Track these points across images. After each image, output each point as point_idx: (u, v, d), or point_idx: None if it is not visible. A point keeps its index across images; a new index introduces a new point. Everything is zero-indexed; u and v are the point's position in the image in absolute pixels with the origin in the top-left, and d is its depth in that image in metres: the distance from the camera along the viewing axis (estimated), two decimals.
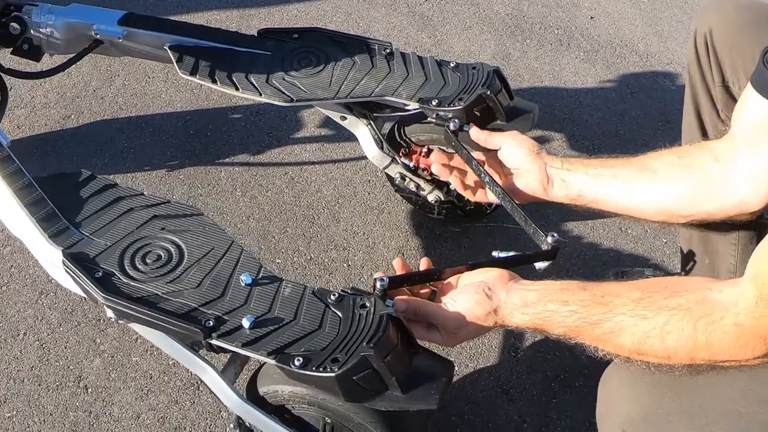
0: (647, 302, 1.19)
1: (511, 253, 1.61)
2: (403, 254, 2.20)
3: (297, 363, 1.28)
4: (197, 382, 1.86)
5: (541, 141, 2.61)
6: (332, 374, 1.25)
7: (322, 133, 2.60)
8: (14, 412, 1.82)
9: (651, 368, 1.20)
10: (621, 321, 1.20)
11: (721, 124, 1.61)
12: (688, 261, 1.77)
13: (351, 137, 2.08)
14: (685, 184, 1.45)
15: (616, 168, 1.54)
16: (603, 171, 1.55)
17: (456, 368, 1.92)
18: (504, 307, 1.32)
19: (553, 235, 1.57)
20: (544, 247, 1.58)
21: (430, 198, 2.10)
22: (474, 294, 1.34)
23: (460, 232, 2.28)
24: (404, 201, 2.31)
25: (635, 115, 2.80)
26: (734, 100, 1.53)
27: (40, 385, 1.87)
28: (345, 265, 2.17)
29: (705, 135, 1.65)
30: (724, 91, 1.58)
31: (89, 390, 1.87)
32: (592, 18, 3.33)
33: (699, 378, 1.18)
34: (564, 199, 1.59)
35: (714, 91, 1.61)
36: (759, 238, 1.65)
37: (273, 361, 1.31)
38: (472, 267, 1.71)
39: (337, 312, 1.37)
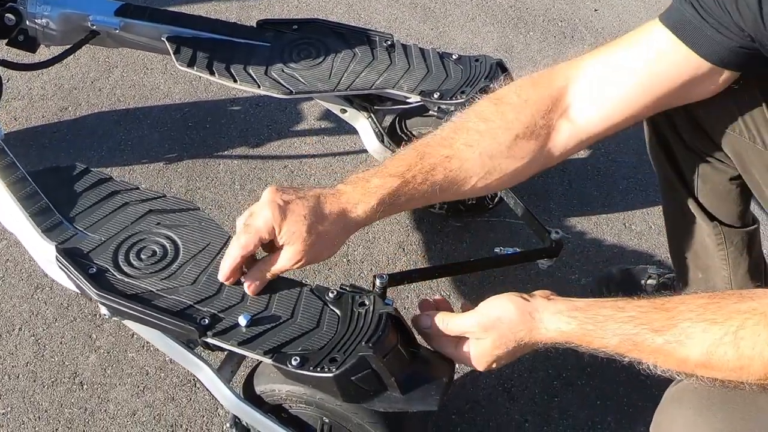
0: (715, 307, 1.09)
1: (514, 250, 1.59)
2: (403, 249, 2.17)
3: (294, 362, 1.25)
4: (194, 379, 1.84)
5: None
6: (330, 375, 1.23)
7: (322, 126, 2.58)
8: (9, 409, 1.80)
9: (717, 386, 1.11)
10: (688, 327, 1.08)
11: (689, 152, 1.55)
12: (682, 276, 1.74)
13: (351, 130, 2.06)
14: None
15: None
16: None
17: (457, 366, 1.89)
18: (544, 311, 1.23)
19: (557, 232, 1.55)
20: (548, 243, 1.56)
21: None
22: (508, 295, 1.27)
23: (462, 226, 2.26)
24: None
25: None
26: (699, 128, 1.48)
27: (35, 381, 1.85)
28: (344, 260, 2.14)
29: (674, 163, 1.60)
30: (687, 120, 1.51)
31: (85, 386, 1.85)
32: (596, 10, 3.30)
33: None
34: None
35: (676, 119, 1.53)
36: (749, 248, 1.63)
37: (269, 361, 1.28)
38: (475, 264, 1.69)
39: (336, 310, 1.35)
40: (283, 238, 1.27)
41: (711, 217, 1.59)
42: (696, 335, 1.07)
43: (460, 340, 1.31)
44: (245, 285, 1.34)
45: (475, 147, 1.33)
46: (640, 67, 1.28)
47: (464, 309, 1.33)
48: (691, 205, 1.59)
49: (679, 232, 1.68)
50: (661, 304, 1.14)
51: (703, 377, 1.10)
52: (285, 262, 1.30)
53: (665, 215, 1.73)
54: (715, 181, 1.54)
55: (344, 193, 1.33)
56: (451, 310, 1.36)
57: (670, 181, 1.61)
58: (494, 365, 1.30)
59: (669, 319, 1.11)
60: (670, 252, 1.77)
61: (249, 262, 1.35)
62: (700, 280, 1.70)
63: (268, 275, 1.34)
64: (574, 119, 1.34)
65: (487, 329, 1.26)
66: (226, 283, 1.36)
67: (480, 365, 1.30)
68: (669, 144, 1.57)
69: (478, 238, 2.23)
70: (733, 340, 1.04)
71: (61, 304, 2.00)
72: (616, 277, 2.06)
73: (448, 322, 1.31)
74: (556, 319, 1.21)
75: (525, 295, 1.27)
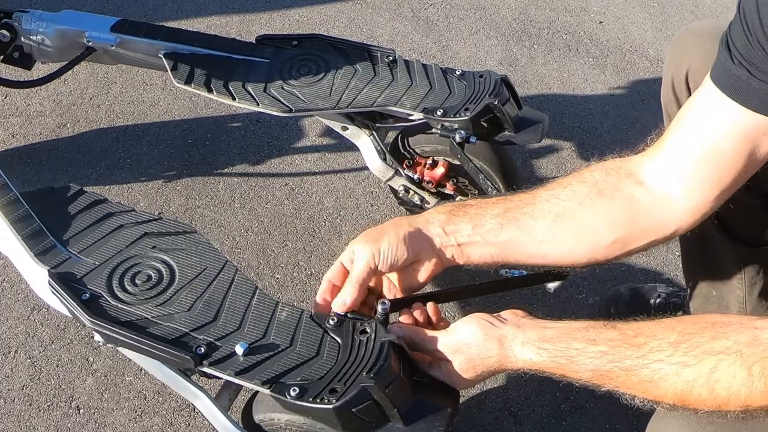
0: (687, 346, 1.05)
1: (521, 272, 1.55)
2: None
3: (293, 393, 1.22)
4: (192, 404, 1.80)
5: (550, 151, 2.56)
6: (330, 406, 1.20)
7: (324, 143, 2.55)
8: None
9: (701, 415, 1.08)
10: (660, 369, 1.06)
11: None
12: (695, 294, 1.70)
13: (353, 147, 2.04)
14: (608, 224, 1.30)
15: (519, 220, 1.34)
16: (503, 228, 1.35)
17: (462, 391, 1.86)
18: (513, 339, 1.20)
19: None
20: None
21: None
22: (477, 318, 1.25)
23: None
24: (408, 214, 2.24)
25: (646, 123, 2.73)
26: None
27: (31, 405, 1.82)
28: None
29: None
30: None
31: (81, 411, 1.82)
32: (601, 23, 3.27)
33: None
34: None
35: None
36: (765, 268, 1.59)
37: (267, 391, 1.25)
38: (481, 287, 1.65)
39: (336, 338, 1.32)
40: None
41: (731, 235, 1.55)
42: (669, 378, 1.05)
43: (434, 361, 1.29)
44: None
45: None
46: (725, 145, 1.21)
47: (441, 326, 1.32)
48: (709, 221, 1.55)
49: (696, 248, 1.65)
50: (633, 336, 1.11)
51: (688, 409, 1.08)
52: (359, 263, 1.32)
53: None
54: (737, 197, 1.50)
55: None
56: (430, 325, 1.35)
57: None
58: (466, 385, 1.28)
59: (640, 357, 1.08)
60: (684, 269, 1.74)
61: None
62: (714, 298, 1.66)
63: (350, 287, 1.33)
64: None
65: (455, 352, 1.24)
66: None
67: (452, 383, 1.28)
68: None
69: None
70: (706, 383, 1.02)
71: (58, 325, 1.97)
72: (625, 296, 2.02)
73: (419, 339, 1.29)
74: (527, 350, 1.19)
75: (495, 320, 1.24)
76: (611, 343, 1.12)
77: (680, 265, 2.17)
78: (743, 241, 1.55)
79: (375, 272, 1.32)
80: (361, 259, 1.31)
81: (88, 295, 1.38)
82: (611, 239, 1.29)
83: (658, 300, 1.96)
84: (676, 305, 1.93)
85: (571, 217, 1.30)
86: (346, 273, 1.35)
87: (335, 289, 1.36)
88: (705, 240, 1.58)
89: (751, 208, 1.51)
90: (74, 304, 1.36)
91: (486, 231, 1.33)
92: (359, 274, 1.31)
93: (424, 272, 1.38)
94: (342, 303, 1.33)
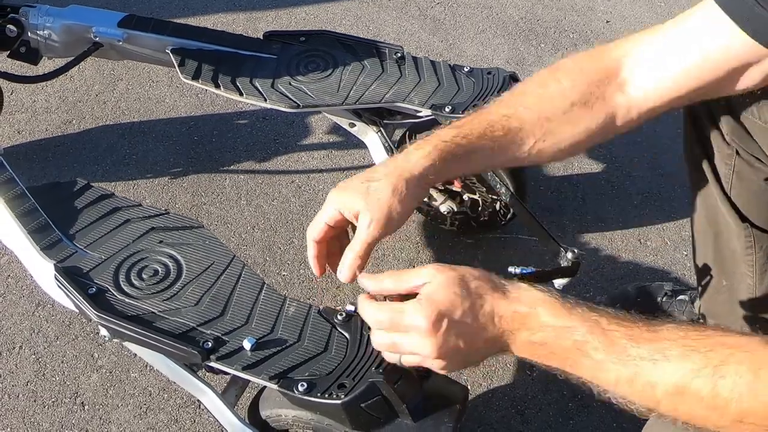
0: (698, 334, 0.96)
1: (529, 269, 1.54)
2: (413, 266, 2.12)
3: (301, 388, 1.22)
4: (198, 401, 1.80)
5: None
6: (338, 401, 1.20)
7: (330, 140, 2.54)
8: (8, 430, 1.77)
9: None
10: (663, 348, 0.96)
11: (727, 147, 1.52)
12: (704, 283, 1.70)
13: (360, 144, 2.03)
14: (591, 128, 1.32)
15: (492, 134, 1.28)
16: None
17: (469, 388, 1.85)
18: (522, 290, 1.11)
19: (573, 251, 1.51)
20: (564, 262, 1.51)
21: (443, 209, 2.04)
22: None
23: (474, 243, 2.21)
24: (416, 211, 2.24)
25: (653, 121, 2.71)
26: (739, 123, 1.45)
27: (35, 401, 1.82)
28: None
29: (710, 159, 1.56)
30: (728, 113, 1.49)
31: (86, 407, 1.82)
32: (608, 22, 3.26)
33: None
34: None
35: (716, 112, 1.51)
36: None
37: (275, 386, 1.25)
38: None
39: (345, 333, 1.31)
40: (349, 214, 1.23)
41: (742, 218, 1.54)
42: (673, 359, 0.95)
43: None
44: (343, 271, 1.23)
45: (534, 109, 1.30)
46: (696, 48, 1.23)
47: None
48: (723, 204, 1.54)
49: (706, 235, 1.64)
50: (634, 319, 1.03)
51: (664, 413, 0.99)
52: (361, 234, 1.21)
53: (692, 218, 1.68)
54: (751, 179, 1.49)
55: (402, 150, 1.27)
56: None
57: (703, 178, 1.56)
58: (439, 330, 1.07)
59: (651, 333, 0.99)
60: (694, 259, 1.73)
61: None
62: (724, 288, 1.65)
63: (354, 254, 1.22)
64: (629, 92, 1.30)
65: (441, 270, 1.12)
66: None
67: (422, 320, 1.07)
68: (707, 137, 1.53)
69: (490, 255, 2.19)
70: (711, 375, 0.92)
71: (63, 321, 1.97)
72: (632, 294, 2.01)
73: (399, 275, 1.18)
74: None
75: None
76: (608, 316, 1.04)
77: (687, 264, 2.18)
78: (755, 226, 1.55)
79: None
80: (368, 233, 1.21)
81: (94, 289, 1.38)
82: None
83: (665, 298, 1.95)
84: (683, 303, 1.92)
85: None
86: (331, 231, 1.27)
87: (321, 247, 1.28)
88: (717, 224, 1.57)
89: (762, 190, 1.51)
90: (80, 298, 1.35)
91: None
92: (366, 248, 1.23)
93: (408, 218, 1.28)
94: (351, 277, 1.23)
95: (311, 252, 1.28)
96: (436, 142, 1.25)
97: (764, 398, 0.89)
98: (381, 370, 1.20)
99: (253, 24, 3.02)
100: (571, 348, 1.03)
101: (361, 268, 1.23)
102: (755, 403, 0.90)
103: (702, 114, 1.52)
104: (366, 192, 1.22)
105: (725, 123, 1.47)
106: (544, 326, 1.05)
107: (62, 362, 1.90)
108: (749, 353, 0.92)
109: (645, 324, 1.01)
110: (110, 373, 1.88)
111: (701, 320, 1.82)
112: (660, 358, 0.96)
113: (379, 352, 1.22)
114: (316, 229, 1.26)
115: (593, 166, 2.50)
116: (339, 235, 1.29)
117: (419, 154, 1.24)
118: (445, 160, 1.24)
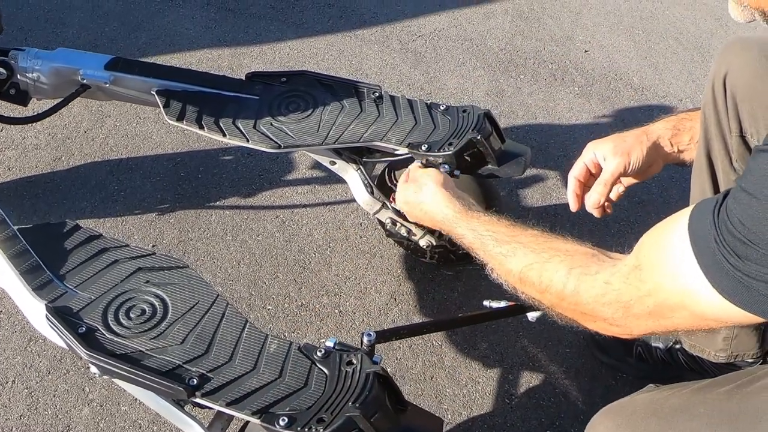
0: (543, 239, 1.31)
1: (503, 303, 1.59)
2: (395, 299, 2.18)
3: (282, 423, 1.26)
4: None
5: (535, 180, 2.60)
6: None
7: (313, 175, 2.59)
8: None
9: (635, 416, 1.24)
10: (516, 248, 1.32)
11: (733, 173, 1.56)
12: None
13: (342, 179, 2.07)
14: None
15: None
16: None
17: (449, 417, 1.89)
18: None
19: None
20: None
21: (422, 243, 2.08)
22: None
23: (453, 276, 2.26)
24: (396, 245, 2.29)
25: None
26: (750, 151, 1.48)
27: None
28: (336, 311, 2.14)
29: (715, 181, 1.61)
30: (740, 142, 1.52)
31: None
32: (586, 51, 3.33)
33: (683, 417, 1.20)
34: None
35: (729, 139, 1.55)
36: None
37: (257, 421, 1.29)
38: (464, 319, 1.69)
39: (324, 369, 1.36)
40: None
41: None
42: (518, 255, 1.31)
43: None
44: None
45: None
46: None
47: None
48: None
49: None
50: (511, 225, 1.39)
51: (522, 293, 1.33)
52: (608, 167, 1.59)
53: None
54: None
55: None
56: None
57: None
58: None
59: (510, 236, 1.35)
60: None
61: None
62: None
63: (601, 182, 1.60)
64: None
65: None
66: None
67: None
68: (714, 163, 1.62)
69: (469, 286, 2.23)
70: (539, 268, 1.26)
71: (55, 356, 2.00)
72: None
73: None
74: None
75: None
76: (494, 222, 1.43)
77: None
78: None
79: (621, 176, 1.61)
80: (613, 165, 1.58)
81: (84, 328, 1.42)
82: None
83: None
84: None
85: None
86: (588, 171, 1.63)
87: (580, 185, 1.65)
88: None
89: None
90: (71, 337, 1.39)
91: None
92: (610, 177, 1.58)
93: (651, 172, 1.65)
94: (597, 201, 1.61)
95: (571, 187, 1.66)
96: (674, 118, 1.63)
97: (571, 286, 1.20)
98: (358, 405, 1.25)
99: (238, 60, 3.07)
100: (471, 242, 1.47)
101: (605, 195, 1.60)
102: (565, 288, 1.21)
103: (714, 137, 1.58)
104: (616, 139, 1.60)
105: (736, 150, 1.54)
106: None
107: (54, 396, 1.92)
108: (569, 256, 1.24)
109: (509, 228, 1.39)
110: (101, 406, 1.90)
111: (678, 345, 1.88)
112: (511, 255, 1.32)
113: (355, 388, 1.27)
114: (576, 168, 1.65)
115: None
116: (588, 183, 1.65)
117: (661, 123, 1.62)
118: (678, 130, 1.62)
